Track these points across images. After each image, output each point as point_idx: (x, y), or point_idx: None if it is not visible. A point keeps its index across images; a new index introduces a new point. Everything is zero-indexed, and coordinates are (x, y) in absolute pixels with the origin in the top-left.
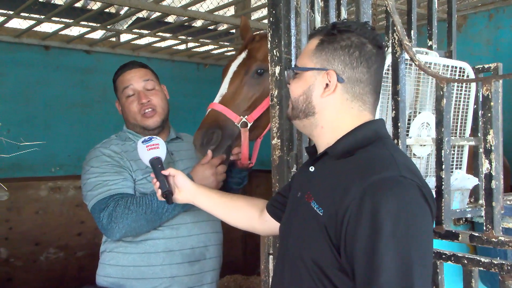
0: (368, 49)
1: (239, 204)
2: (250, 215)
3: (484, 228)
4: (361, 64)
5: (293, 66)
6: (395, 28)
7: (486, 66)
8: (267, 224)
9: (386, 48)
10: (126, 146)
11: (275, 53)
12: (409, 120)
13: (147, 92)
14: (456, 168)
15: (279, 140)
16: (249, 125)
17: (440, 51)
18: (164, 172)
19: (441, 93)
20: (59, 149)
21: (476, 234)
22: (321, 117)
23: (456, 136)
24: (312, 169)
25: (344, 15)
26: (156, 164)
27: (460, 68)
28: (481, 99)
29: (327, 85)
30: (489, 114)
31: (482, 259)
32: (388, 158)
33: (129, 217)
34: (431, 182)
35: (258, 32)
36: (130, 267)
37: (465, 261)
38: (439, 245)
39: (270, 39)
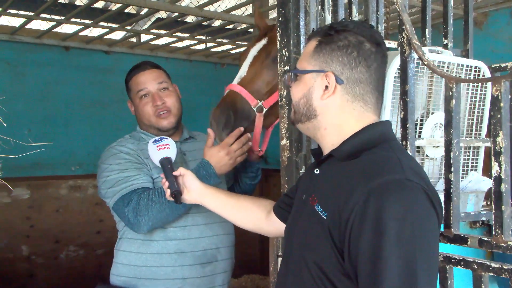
0: (366, 48)
1: (246, 205)
2: (257, 216)
3: (493, 232)
4: (360, 63)
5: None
6: (404, 26)
7: (503, 65)
8: (274, 225)
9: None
10: (141, 145)
11: (284, 53)
12: (421, 120)
13: (161, 94)
14: (471, 170)
15: (288, 141)
16: (264, 110)
17: (456, 50)
18: (175, 173)
19: (450, 93)
20: (79, 148)
21: (485, 239)
22: (323, 119)
23: (471, 137)
24: (317, 171)
25: (355, 14)
26: (166, 164)
27: (476, 67)
28: (490, 100)
29: (326, 87)
30: (498, 115)
31: (493, 264)
32: (393, 160)
33: (154, 208)
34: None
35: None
36: (142, 267)
37: (475, 266)
38: (454, 250)
39: (279, 38)
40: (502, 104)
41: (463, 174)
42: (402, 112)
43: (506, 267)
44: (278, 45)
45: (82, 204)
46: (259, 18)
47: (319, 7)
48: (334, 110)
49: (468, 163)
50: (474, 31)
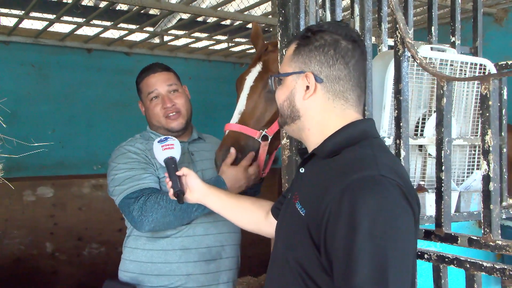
0: (342, 46)
1: (246, 206)
2: (256, 217)
3: (482, 231)
4: (337, 61)
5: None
6: (397, 25)
7: (510, 62)
8: (272, 226)
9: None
10: (150, 144)
11: (284, 53)
12: (424, 119)
13: (171, 95)
14: (477, 169)
15: (288, 140)
16: (269, 138)
17: (465, 48)
18: (178, 173)
19: (441, 91)
20: (101, 147)
21: (474, 238)
22: (306, 119)
23: (476, 135)
24: (302, 170)
25: (357, 13)
26: (170, 164)
27: (481, 65)
28: (479, 98)
29: (307, 87)
30: (487, 114)
31: (485, 264)
32: (369, 157)
33: (159, 212)
34: None
35: (270, 41)
36: (148, 263)
37: (467, 265)
38: (464, 252)
39: (279, 38)
40: (490, 103)
41: (468, 173)
42: (396, 111)
43: (498, 267)
44: (278, 45)
45: (103, 203)
46: (256, 36)
47: (319, 7)
48: (316, 110)
49: (472, 162)
50: (494, 28)
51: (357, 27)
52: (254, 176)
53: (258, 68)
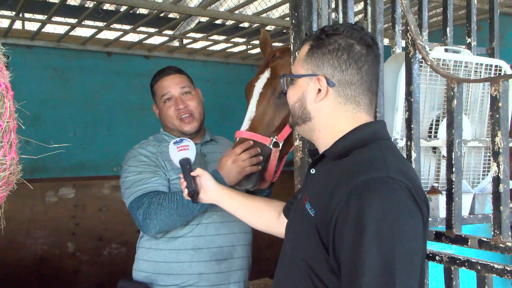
0: (356, 50)
1: (258, 206)
2: (269, 217)
3: (492, 233)
4: (350, 66)
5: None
6: (409, 27)
7: None
8: (284, 226)
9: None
10: (162, 147)
11: (296, 56)
12: (437, 121)
13: (184, 97)
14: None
15: (301, 142)
16: (280, 144)
17: (481, 49)
18: (192, 173)
19: (452, 93)
20: (121, 149)
21: (485, 239)
22: (317, 121)
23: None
24: (313, 171)
25: (369, 15)
26: (185, 165)
27: (496, 66)
28: (489, 100)
29: (319, 90)
30: (497, 115)
31: (496, 265)
32: (377, 159)
33: (162, 213)
34: (463, 185)
35: (278, 47)
36: (161, 263)
37: (479, 267)
38: (480, 255)
39: (292, 41)
40: (500, 104)
41: (483, 175)
42: (407, 113)
43: (509, 268)
44: (291, 47)
45: (123, 204)
46: (264, 42)
47: (332, 10)
48: (327, 113)
49: (488, 163)
50: None
51: (369, 29)
52: (247, 163)
53: (266, 74)
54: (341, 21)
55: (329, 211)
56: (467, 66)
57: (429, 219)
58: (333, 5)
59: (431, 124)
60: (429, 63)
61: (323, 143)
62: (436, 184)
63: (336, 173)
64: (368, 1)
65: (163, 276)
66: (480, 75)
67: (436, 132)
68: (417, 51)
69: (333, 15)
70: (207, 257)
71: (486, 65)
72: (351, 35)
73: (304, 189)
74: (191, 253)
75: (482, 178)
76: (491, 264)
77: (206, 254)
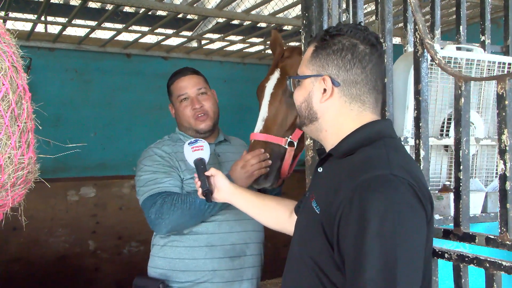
0: (360, 50)
1: (270, 205)
2: (280, 216)
3: (499, 230)
4: (354, 65)
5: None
6: (417, 26)
7: None
8: None
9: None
10: (177, 147)
11: None
12: (449, 119)
13: (200, 98)
14: None
15: (311, 141)
16: (295, 144)
17: (496, 47)
18: (206, 173)
19: (459, 91)
20: (140, 149)
21: (492, 237)
22: (323, 121)
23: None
24: (320, 169)
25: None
26: (200, 165)
27: (510, 64)
28: (496, 98)
29: (325, 90)
30: (503, 113)
31: (504, 263)
32: (382, 157)
33: (175, 214)
34: (475, 183)
35: (286, 47)
36: (176, 260)
37: (487, 265)
38: (494, 253)
39: (303, 41)
40: (507, 102)
41: (496, 173)
42: (415, 111)
43: None
44: (302, 47)
45: None
46: (274, 43)
47: (342, 10)
48: (333, 112)
49: None
50: None
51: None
52: (256, 167)
53: (276, 75)
54: (351, 21)
55: (333, 208)
56: (479, 64)
57: (441, 217)
58: (343, 6)
59: (443, 123)
60: (437, 61)
61: (330, 142)
62: (448, 183)
63: (341, 171)
64: (379, 0)
65: (178, 272)
66: (493, 73)
67: (448, 131)
68: (425, 50)
69: (345, 15)
70: (220, 254)
71: (499, 63)
72: (355, 35)
73: (311, 187)
74: (205, 250)
75: (495, 177)
76: (499, 262)
77: (219, 251)
